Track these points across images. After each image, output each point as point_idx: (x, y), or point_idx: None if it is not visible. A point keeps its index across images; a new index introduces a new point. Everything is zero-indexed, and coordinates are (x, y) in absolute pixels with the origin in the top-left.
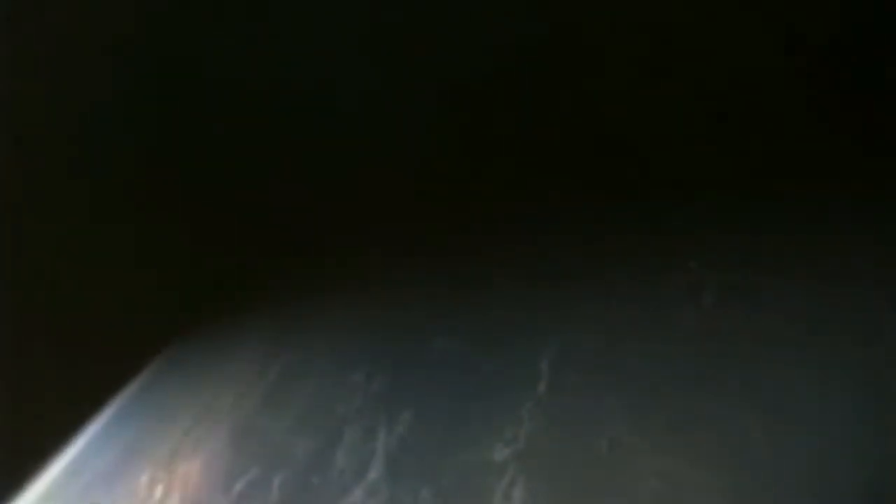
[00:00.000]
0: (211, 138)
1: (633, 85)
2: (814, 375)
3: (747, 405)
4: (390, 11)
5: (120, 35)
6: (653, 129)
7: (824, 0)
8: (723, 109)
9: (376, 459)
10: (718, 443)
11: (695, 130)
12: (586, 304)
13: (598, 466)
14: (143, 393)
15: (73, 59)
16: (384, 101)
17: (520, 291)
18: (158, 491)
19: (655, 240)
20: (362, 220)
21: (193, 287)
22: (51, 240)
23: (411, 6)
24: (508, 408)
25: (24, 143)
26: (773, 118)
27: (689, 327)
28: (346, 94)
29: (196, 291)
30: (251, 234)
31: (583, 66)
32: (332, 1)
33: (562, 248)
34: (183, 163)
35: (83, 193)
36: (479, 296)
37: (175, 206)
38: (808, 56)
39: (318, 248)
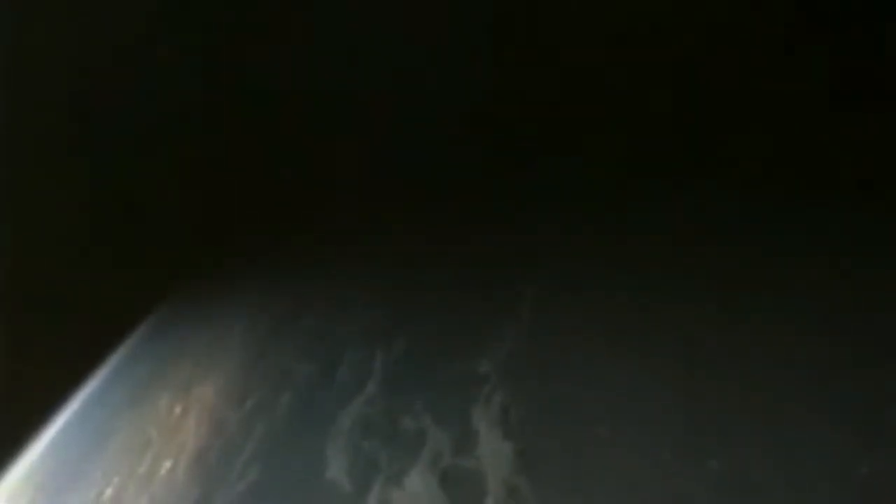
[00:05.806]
0: (202, 109)
1: None
2: (770, 290)
3: (709, 317)
4: None
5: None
6: None
7: None
8: None
9: (374, 376)
10: (679, 348)
11: None
12: (567, 241)
13: (571, 374)
14: (159, 329)
15: (69, 57)
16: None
17: (509, 227)
18: (177, 410)
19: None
20: (357, 170)
21: (200, 235)
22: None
23: None
24: (493, 328)
25: (14, 123)
26: None
27: (657, 258)
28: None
29: (203, 238)
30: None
31: None
32: None
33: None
34: (175, 127)
35: (81, 166)
36: (470, 232)
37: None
38: None
39: (318, 197)
